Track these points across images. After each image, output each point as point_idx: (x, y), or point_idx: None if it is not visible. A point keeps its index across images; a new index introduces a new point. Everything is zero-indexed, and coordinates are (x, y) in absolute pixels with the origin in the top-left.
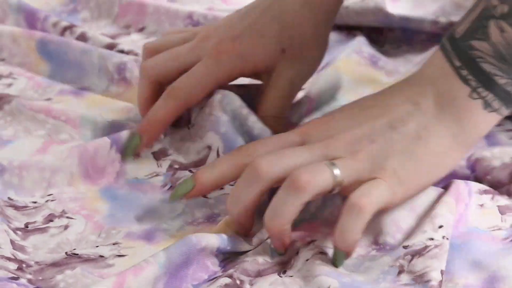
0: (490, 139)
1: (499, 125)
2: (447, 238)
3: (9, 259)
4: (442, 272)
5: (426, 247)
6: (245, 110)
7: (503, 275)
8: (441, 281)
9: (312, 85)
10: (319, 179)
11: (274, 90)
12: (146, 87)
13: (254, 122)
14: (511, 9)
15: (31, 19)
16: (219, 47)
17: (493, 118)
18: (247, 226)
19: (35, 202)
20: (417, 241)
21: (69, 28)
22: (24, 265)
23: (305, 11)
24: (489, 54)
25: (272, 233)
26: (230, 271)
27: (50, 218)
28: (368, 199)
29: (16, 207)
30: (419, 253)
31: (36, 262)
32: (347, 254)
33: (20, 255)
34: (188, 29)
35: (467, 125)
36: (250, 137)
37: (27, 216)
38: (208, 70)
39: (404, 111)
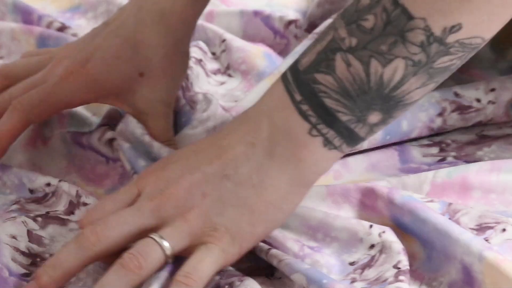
0: (403, 155)
1: (414, 139)
2: (384, 231)
3: (23, 253)
4: (398, 263)
5: (373, 258)
6: (147, 138)
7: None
8: (399, 270)
9: (240, 101)
10: (150, 261)
11: (151, 118)
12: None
13: (159, 147)
14: (360, 42)
15: (27, 19)
16: (69, 69)
17: (334, 156)
18: None
19: (49, 185)
20: (361, 254)
21: (61, 30)
22: (38, 259)
23: (161, 29)
24: (333, 89)
25: None
26: (216, 278)
27: (71, 210)
28: (196, 275)
29: (38, 201)
30: (368, 265)
31: (51, 255)
32: None
33: (36, 248)
34: (46, 51)
35: (305, 164)
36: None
37: (49, 207)
38: (54, 91)
39: (238, 154)
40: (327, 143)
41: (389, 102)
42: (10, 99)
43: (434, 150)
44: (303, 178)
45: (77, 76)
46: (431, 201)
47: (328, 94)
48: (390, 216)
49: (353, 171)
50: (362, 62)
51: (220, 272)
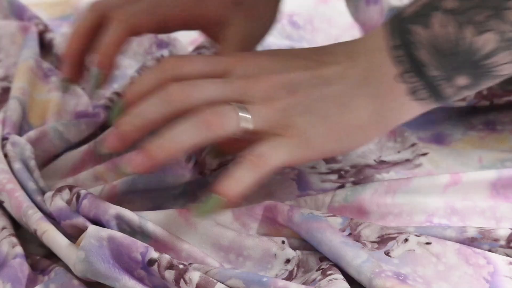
0: (301, 182)
1: (312, 167)
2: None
3: None
4: (319, 267)
5: (291, 272)
6: (32, 162)
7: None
8: (324, 269)
9: None
10: (224, 122)
11: (228, 48)
12: (90, 19)
13: (38, 177)
14: (460, 7)
15: (21, 18)
16: None
17: (416, 108)
18: (130, 143)
19: None
20: (278, 270)
21: (42, 32)
22: None
23: None
24: (427, 43)
25: (154, 153)
26: (167, 257)
27: None
28: (265, 159)
29: None
30: (289, 279)
31: None
32: (222, 203)
33: None
34: None
35: (387, 106)
36: (38, 187)
37: None
38: (157, 2)
39: (333, 71)
40: (412, 92)
41: (478, 69)
42: (106, 10)
43: (333, 176)
44: (383, 119)
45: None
46: (333, 215)
47: (422, 46)
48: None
49: (250, 199)
50: (457, 26)
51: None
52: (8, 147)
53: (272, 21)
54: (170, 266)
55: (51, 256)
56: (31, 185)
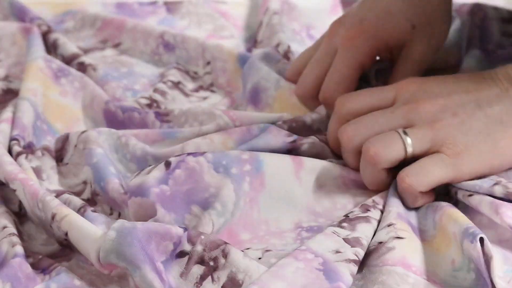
0: None
1: None
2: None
3: None
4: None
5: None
6: (124, 138)
7: None
8: (362, 204)
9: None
10: (389, 150)
11: (405, 65)
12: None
13: (134, 145)
14: None
15: (22, 20)
16: (349, 33)
17: None
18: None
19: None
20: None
21: (46, 33)
22: None
23: None
24: None
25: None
26: (199, 248)
27: None
28: (414, 178)
29: None
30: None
31: None
32: None
33: None
34: (315, 44)
35: None
36: (132, 159)
37: None
38: (347, 59)
39: (493, 93)
40: None
41: None
42: (304, 91)
43: None
44: None
45: (360, 36)
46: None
47: None
48: None
49: None
50: None
51: (199, 238)
52: (92, 134)
53: (443, 40)
54: (201, 262)
55: (53, 255)
56: (111, 169)
